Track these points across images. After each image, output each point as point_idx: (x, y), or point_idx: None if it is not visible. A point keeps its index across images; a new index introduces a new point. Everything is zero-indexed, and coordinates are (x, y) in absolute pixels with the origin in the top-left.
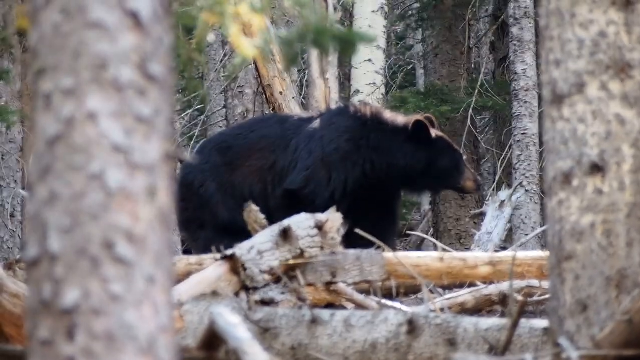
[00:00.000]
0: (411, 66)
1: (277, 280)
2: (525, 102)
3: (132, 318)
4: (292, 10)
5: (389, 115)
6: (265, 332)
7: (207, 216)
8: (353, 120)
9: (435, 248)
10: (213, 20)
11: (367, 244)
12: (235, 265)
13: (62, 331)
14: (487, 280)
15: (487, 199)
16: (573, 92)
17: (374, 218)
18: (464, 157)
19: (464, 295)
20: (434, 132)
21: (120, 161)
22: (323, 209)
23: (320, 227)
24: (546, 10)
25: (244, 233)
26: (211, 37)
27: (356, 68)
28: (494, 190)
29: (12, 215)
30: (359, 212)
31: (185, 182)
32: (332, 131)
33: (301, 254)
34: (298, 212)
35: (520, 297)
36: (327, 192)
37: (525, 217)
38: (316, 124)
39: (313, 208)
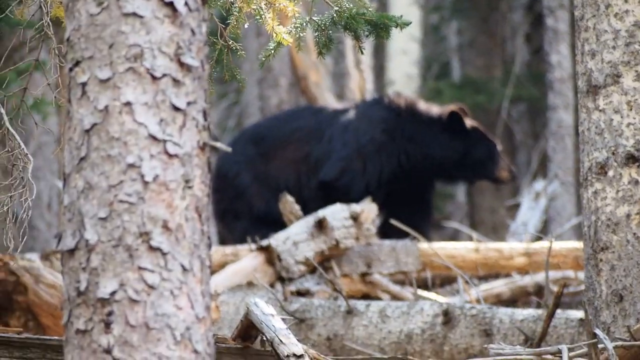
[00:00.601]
0: (446, 58)
1: (312, 270)
2: (561, 93)
3: (168, 308)
4: None
5: (423, 105)
6: (300, 323)
7: (243, 207)
8: (388, 111)
9: (471, 239)
10: (247, 7)
11: (403, 235)
12: (270, 256)
13: (98, 321)
14: (523, 271)
15: (522, 190)
16: (608, 83)
17: (408, 209)
18: (499, 148)
19: (500, 287)
20: (468, 122)
21: (155, 151)
22: (358, 200)
23: (355, 217)
24: (581, 0)
25: (279, 223)
26: (246, 24)
27: (391, 59)
28: (529, 181)
29: (48, 206)
30: (394, 202)
31: (220, 173)
32: (366, 122)
33: (336, 245)
34: (333, 203)
35: (555, 288)
36: (362, 183)
37: (561, 209)
38: (350, 115)
39: (348, 199)
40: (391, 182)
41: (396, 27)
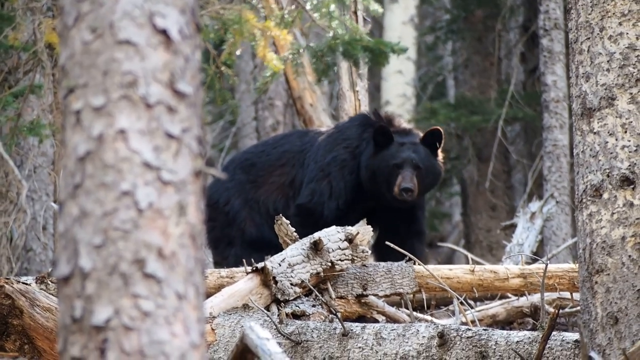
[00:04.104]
0: (441, 77)
1: (308, 293)
2: (556, 113)
3: (163, 335)
4: (322, 23)
5: (397, 123)
6: (296, 345)
7: (235, 233)
8: (357, 128)
9: (467, 259)
10: (240, 35)
11: (397, 255)
12: (266, 279)
13: (93, 348)
14: (519, 293)
15: (517, 210)
16: (603, 106)
17: (398, 227)
18: (407, 165)
19: (495, 307)
20: (403, 140)
21: (150, 178)
22: (333, 220)
23: (350, 239)
24: (575, 23)
25: (272, 248)
26: (239, 51)
27: (386, 79)
28: (524, 201)
29: (44, 228)
30: (382, 221)
31: (211, 201)
32: (333, 140)
33: (332, 267)
34: (312, 226)
35: (551, 309)
36: (332, 202)
37: (556, 229)
38: (326, 135)
39: (323, 220)
40: (361, 199)
41: (393, 53)
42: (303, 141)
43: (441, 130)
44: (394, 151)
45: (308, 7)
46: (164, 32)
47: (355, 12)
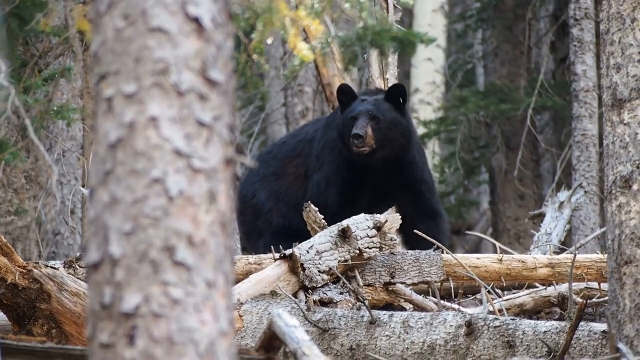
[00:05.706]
0: (471, 65)
1: (335, 280)
2: (585, 102)
3: (192, 322)
4: (351, 13)
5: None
6: (323, 333)
7: (263, 224)
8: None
9: (494, 248)
10: (271, 24)
11: (425, 243)
12: (294, 265)
13: (122, 335)
14: (546, 282)
15: (546, 199)
16: (633, 97)
17: (405, 207)
18: (362, 116)
19: (523, 297)
20: (366, 97)
21: (180, 166)
22: (339, 207)
23: (379, 227)
24: (607, 14)
25: (301, 236)
26: (270, 39)
27: (416, 67)
28: (553, 190)
29: (72, 212)
30: (390, 203)
31: (239, 196)
32: (328, 124)
33: (360, 254)
34: (325, 218)
35: (579, 299)
36: (331, 188)
37: (585, 218)
38: (325, 118)
39: (330, 211)
40: (362, 178)
41: (421, 43)
42: (314, 128)
43: (404, 85)
44: (354, 106)
45: None
46: (196, 20)
47: (386, 1)
